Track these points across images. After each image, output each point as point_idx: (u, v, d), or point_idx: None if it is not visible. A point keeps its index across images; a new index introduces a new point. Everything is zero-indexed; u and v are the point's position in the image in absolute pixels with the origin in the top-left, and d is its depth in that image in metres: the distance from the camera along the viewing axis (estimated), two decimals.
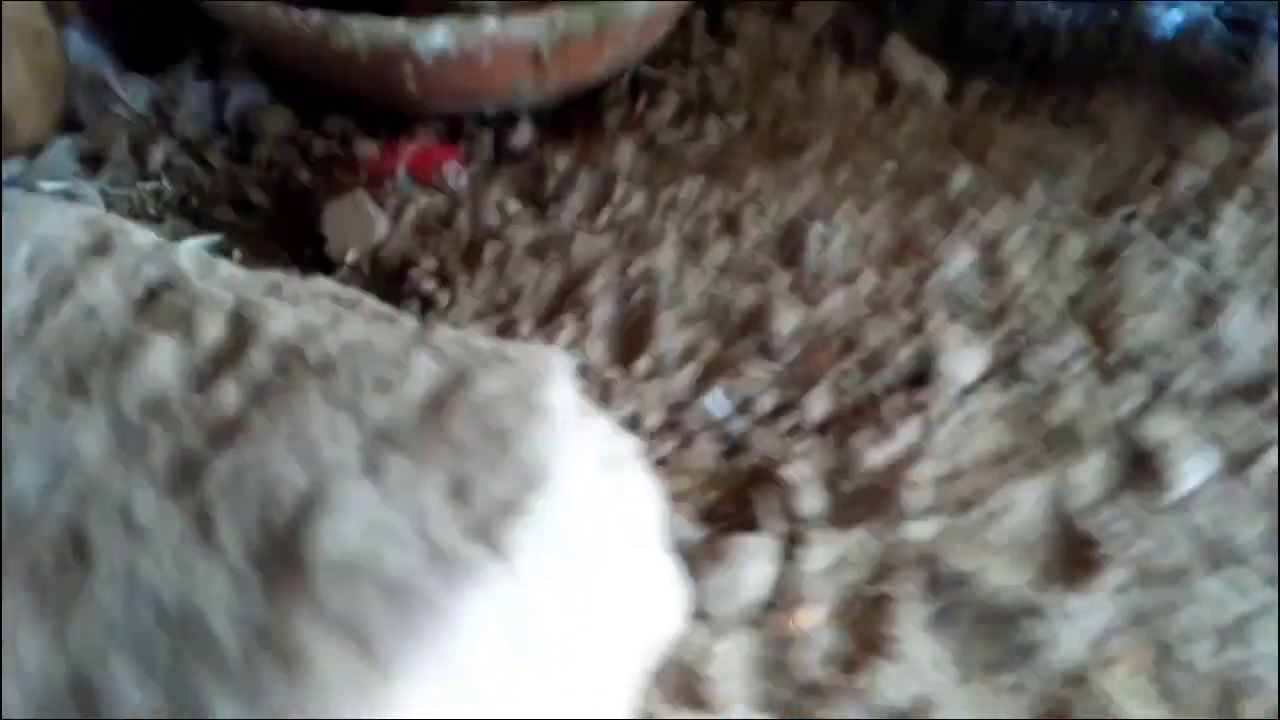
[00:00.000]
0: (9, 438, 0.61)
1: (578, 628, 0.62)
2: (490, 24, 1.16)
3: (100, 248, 0.73)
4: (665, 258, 1.14)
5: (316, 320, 0.67)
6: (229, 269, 0.72)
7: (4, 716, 0.49)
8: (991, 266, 1.13)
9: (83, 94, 1.31)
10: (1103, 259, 1.14)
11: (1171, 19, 1.56)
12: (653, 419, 1.00)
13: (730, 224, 1.19)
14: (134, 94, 1.32)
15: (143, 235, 0.75)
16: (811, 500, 0.93)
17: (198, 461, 0.59)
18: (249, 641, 0.51)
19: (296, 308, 0.68)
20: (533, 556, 0.56)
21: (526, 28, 1.18)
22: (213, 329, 0.67)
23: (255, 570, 0.54)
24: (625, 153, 1.28)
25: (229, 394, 0.63)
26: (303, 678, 0.49)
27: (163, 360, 0.65)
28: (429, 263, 1.16)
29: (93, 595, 0.53)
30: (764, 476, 0.95)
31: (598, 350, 1.07)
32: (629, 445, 0.68)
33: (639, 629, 0.71)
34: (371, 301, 0.71)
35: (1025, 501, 0.90)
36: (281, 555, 0.54)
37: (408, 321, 0.69)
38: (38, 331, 0.67)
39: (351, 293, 0.72)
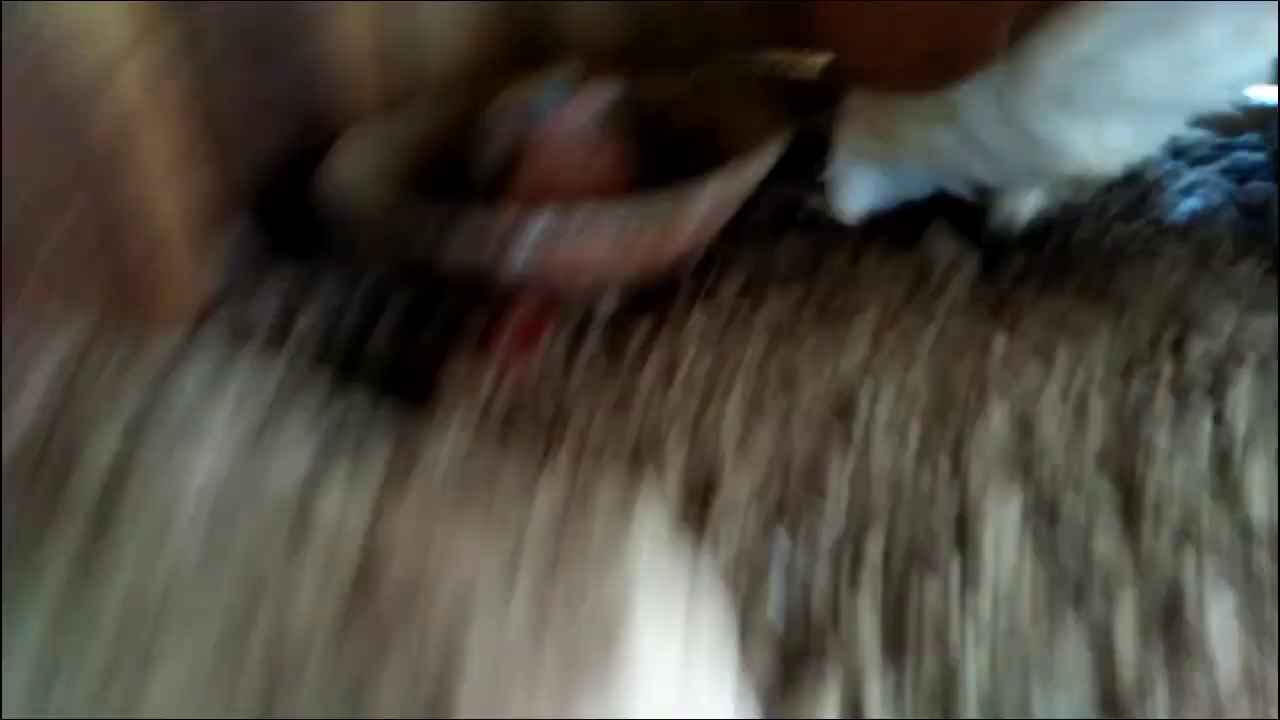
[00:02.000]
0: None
1: None
2: (581, 214, 1.36)
3: None
4: (733, 409, 1.31)
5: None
6: None
7: None
8: (1024, 422, 1.27)
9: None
10: (1127, 416, 1.27)
11: (1188, 205, 1.74)
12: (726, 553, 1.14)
13: (788, 382, 1.35)
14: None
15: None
16: (870, 649, 1.02)
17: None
18: None
19: None
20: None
21: (612, 217, 1.38)
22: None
23: None
24: (698, 320, 1.47)
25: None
26: None
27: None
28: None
29: None
30: (825, 639, 1.06)
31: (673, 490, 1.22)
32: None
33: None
34: None
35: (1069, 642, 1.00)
36: None
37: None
38: None
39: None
